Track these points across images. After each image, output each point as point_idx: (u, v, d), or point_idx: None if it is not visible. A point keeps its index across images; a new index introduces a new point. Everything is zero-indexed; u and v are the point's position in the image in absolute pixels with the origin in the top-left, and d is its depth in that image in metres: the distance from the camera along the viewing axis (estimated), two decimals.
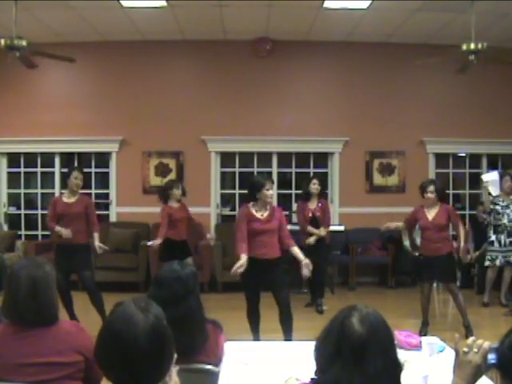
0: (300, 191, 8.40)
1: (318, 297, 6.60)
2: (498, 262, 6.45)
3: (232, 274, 4.38)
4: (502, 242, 6.39)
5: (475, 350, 1.58)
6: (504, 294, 6.61)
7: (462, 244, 5.42)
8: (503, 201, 6.45)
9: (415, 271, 5.89)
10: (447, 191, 8.57)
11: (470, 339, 1.61)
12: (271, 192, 4.59)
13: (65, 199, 5.48)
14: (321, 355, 1.58)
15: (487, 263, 6.57)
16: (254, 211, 4.57)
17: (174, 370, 1.64)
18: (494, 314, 6.35)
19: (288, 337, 4.51)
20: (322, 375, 1.56)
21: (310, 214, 6.50)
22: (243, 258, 4.37)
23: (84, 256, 5.41)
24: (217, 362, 2.38)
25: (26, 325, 2.06)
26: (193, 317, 2.28)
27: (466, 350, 1.59)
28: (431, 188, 5.34)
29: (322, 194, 6.74)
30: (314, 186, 6.51)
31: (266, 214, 4.57)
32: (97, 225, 5.62)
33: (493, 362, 1.54)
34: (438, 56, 6.15)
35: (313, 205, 6.54)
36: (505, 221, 6.41)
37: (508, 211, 6.40)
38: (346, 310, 1.58)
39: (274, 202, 8.35)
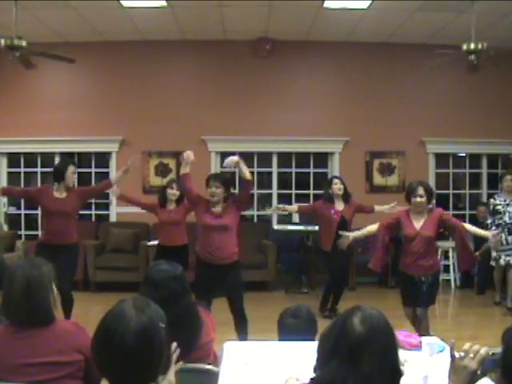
0: (300, 191, 8.46)
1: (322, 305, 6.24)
2: (502, 261, 6.42)
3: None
4: (504, 240, 6.36)
5: (471, 355, 1.55)
6: (510, 297, 6.49)
7: (488, 232, 4.80)
8: (505, 200, 6.48)
9: (401, 291, 4.76)
10: (447, 191, 8.62)
11: (467, 344, 1.59)
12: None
13: (56, 194, 4.97)
14: (320, 352, 1.57)
15: (492, 263, 6.60)
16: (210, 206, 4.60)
17: (172, 368, 1.64)
18: (495, 314, 6.34)
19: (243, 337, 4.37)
20: (319, 372, 1.55)
21: (337, 217, 5.85)
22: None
23: (68, 259, 4.87)
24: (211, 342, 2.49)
25: (21, 324, 2.06)
26: (193, 313, 2.34)
27: (462, 354, 1.56)
28: (421, 191, 4.50)
29: (347, 196, 6.01)
30: (337, 186, 5.92)
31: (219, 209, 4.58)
32: (104, 183, 5.72)
33: (490, 367, 1.51)
34: (447, 56, 6.02)
35: (340, 206, 5.93)
36: (505, 218, 6.42)
37: (509, 208, 6.42)
38: (351, 309, 1.57)
39: (274, 202, 8.37)
